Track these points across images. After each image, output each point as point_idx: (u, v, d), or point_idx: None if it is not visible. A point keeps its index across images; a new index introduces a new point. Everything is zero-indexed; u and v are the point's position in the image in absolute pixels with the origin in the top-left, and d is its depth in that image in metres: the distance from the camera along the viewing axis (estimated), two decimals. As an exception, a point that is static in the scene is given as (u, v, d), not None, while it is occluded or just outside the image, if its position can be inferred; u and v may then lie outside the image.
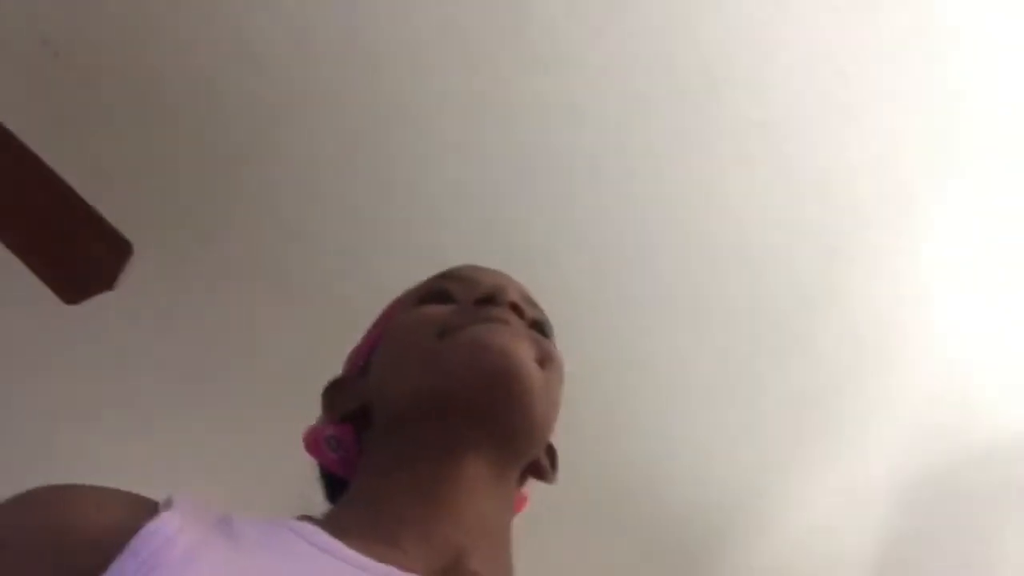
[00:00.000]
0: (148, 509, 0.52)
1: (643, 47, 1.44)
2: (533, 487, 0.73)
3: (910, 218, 1.65)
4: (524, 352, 0.62)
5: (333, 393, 0.71)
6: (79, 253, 1.25)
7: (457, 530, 0.59)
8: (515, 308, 0.65)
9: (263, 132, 1.51)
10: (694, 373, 1.85)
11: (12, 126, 1.18)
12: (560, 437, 0.72)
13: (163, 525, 0.50)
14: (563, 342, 0.72)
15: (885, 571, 2.13)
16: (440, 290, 0.70)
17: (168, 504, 0.53)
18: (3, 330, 1.70)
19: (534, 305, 0.72)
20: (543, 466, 0.69)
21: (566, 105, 1.50)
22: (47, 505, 0.52)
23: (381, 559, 0.54)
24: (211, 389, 1.83)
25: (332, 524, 0.58)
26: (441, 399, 0.61)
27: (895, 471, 2.04)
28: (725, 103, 1.50)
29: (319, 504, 0.71)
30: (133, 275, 1.28)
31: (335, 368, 0.73)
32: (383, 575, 0.53)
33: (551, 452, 0.72)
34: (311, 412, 0.72)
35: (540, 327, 0.70)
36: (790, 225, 1.66)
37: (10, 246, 1.24)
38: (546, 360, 0.65)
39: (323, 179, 1.59)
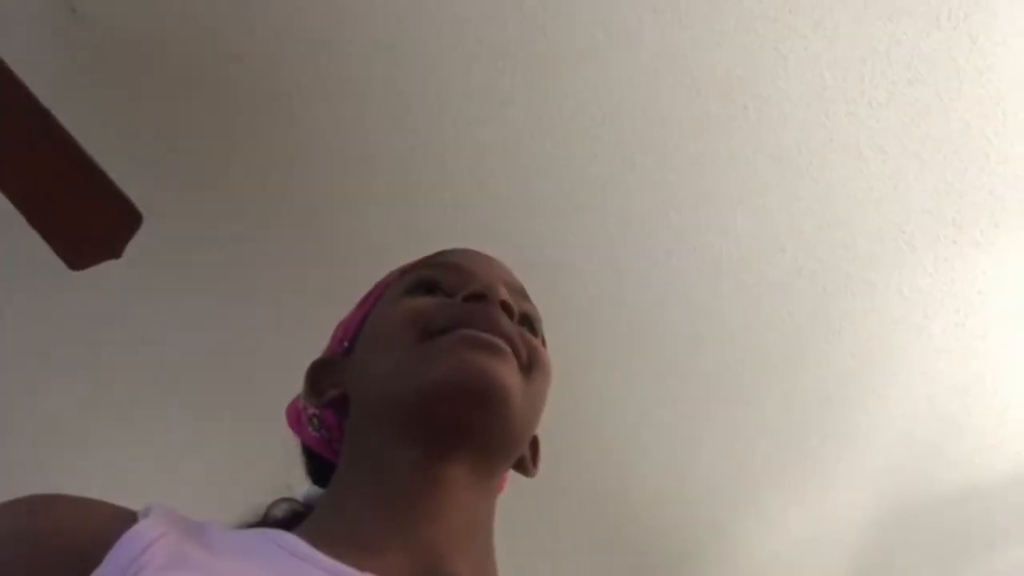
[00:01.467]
0: (126, 519, 0.53)
1: (667, 68, 1.46)
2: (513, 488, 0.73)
3: (896, 261, 1.69)
4: (505, 371, 0.61)
5: (317, 374, 0.70)
6: (88, 218, 1.25)
7: (438, 535, 0.59)
8: (504, 307, 0.65)
9: (284, 106, 1.50)
10: (679, 394, 1.87)
11: (32, 86, 1.18)
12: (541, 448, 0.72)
13: (141, 533, 0.51)
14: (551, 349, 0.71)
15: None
16: (429, 279, 0.69)
17: (146, 513, 0.54)
18: (5, 292, 1.68)
19: (524, 297, 0.71)
20: (524, 461, 0.70)
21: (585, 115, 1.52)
22: (24, 516, 0.53)
23: (360, 566, 0.53)
24: (211, 364, 1.82)
25: (311, 531, 0.58)
26: (419, 410, 0.61)
27: (866, 505, 2.07)
28: (743, 131, 1.53)
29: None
30: (141, 246, 1.28)
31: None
32: None
33: (534, 443, 0.72)
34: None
35: (529, 321, 0.70)
36: (789, 256, 1.69)
37: (19, 207, 1.24)
38: (532, 364, 0.65)
39: (342, 157, 1.57)
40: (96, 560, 0.49)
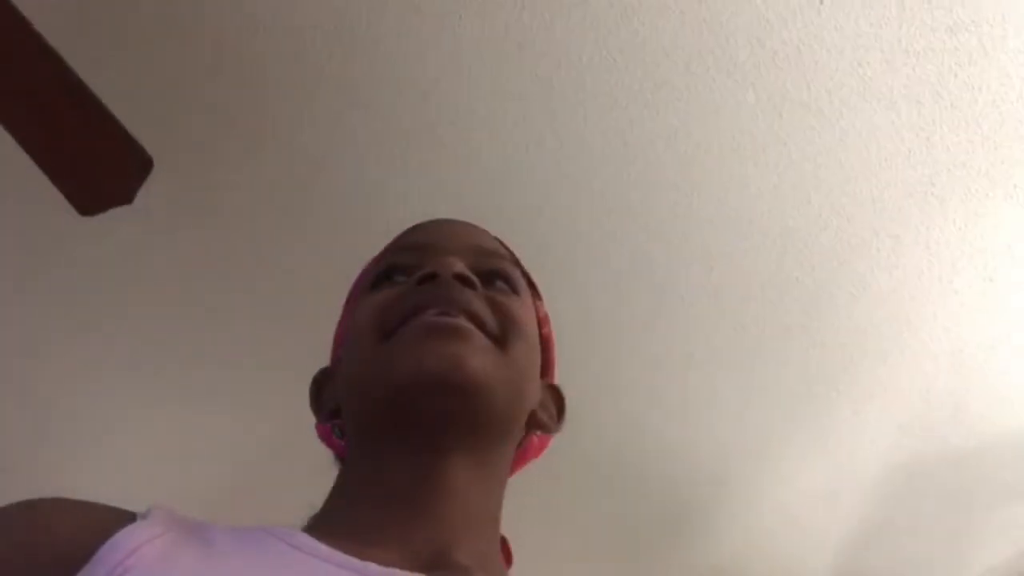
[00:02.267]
0: (123, 521, 0.53)
1: (695, 9, 1.40)
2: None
3: (924, 215, 1.64)
4: (467, 352, 0.59)
5: (318, 386, 0.70)
6: (99, 163, 1.23)
7: (440, 525, 0.58)
8: (461, 279, 0.62)
9: (297, 58, 1.47)
10: (696, 345, 1.86)
11: (43, 29, 1.14)
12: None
13: (131, 535, 0.51)
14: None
15: (846, 559, 2.18)
16: (391, 268, 0.67)
17: (145, 515, 0.54)
18: (13, 234, 1.68)
19: (488, 253, 0.69)
20: (541, 420, 0.67)
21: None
22: (18, 522, 0.53)
23: (363, 557, 0.53)
24: (216, 317, 1.82)
25: (319, 527, 0.58)
26: (391, 412, 0.59)
27: (880, 460, 2.07)
28: (771, 77, 1.47)
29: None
30: (151, 193, 1.26)
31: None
32: (362, 571, 0.52)
33: (558, 397, 0.71)
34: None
35: (501, 278, 0.67)
36: (808, 214, 1.65)
37: (29, 150, 1.21)
38: (505, 329, 0.63)
39: (354, 110, 1.55)
40: (83, 563, 0.50)
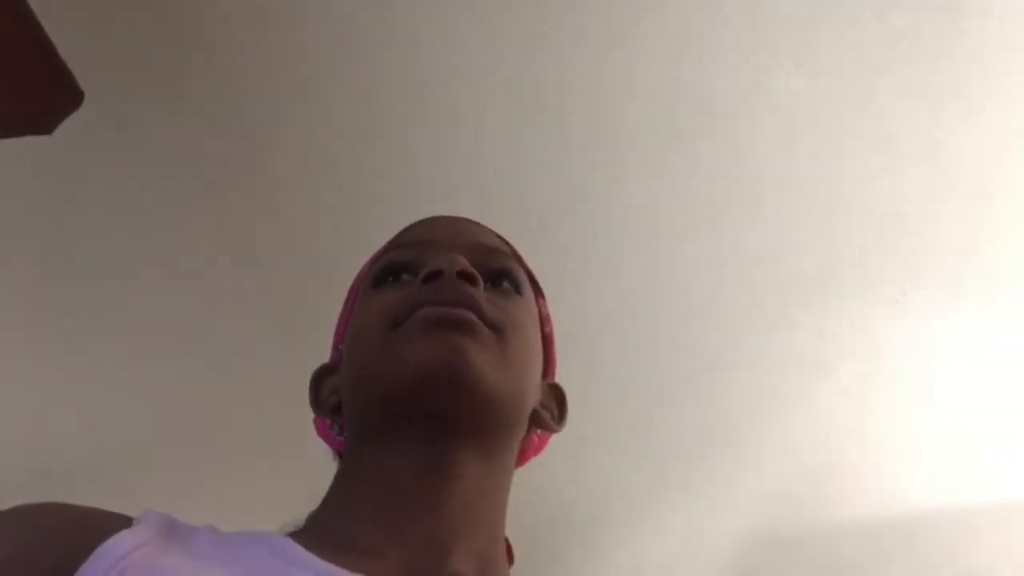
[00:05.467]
0: (116, 526, 0.53)
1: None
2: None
3: (821, 304, 1.74)
4: (468, 343, 0.59)
5: (317, 382, 0.70)
6: (23, 87, 1.16)
7: (437, 529, 0.58)
8: (464, 275, 0.63)
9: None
10: (577, 396, 1.88)
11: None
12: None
13: (119, 544, 0.51)
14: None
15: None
16: (393, 265, 0.68)
17: (138, 520, 0.55)
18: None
19: (491, 251, 0.70)
20: (542, 419, 0.68)
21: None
22: (6, 531, 0.53)
23: (355, 568, 0.53)
24: (151, 259, 1.69)
25: (309, 534, 0.58)
26: (394, 406, 0.60)
27: (744, 528, 2.15)
28: (706, 154, 1.53)
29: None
30: (78, 127, 1.20)
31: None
32: None
33: (559, 396, 0.71)
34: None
35: (504, 277, 0.68)
36: (719, 280, 1.71)
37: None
38: (503, 323, 0.63)
39: (316, 40, 1.39)
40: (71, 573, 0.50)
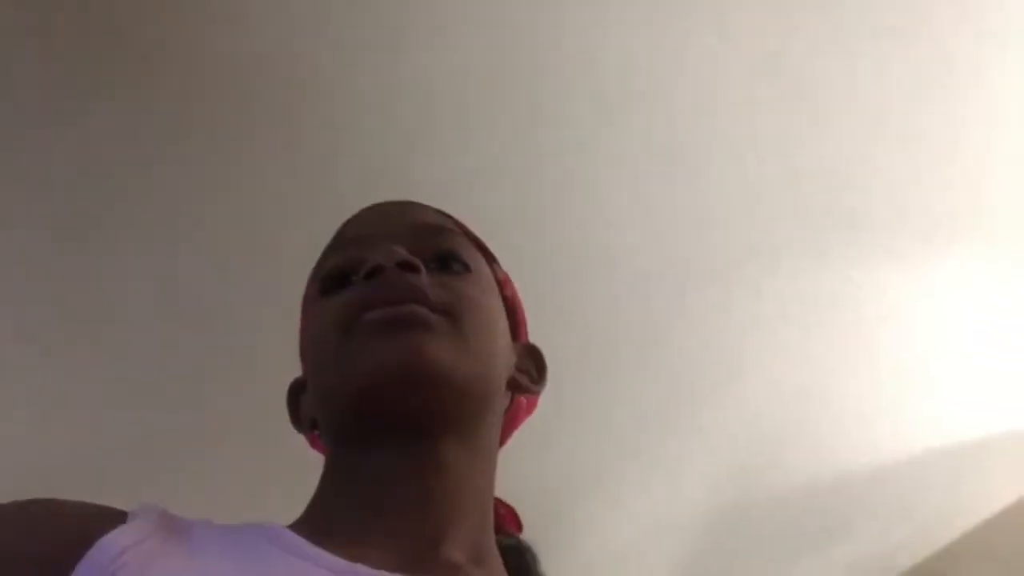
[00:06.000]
0: (112, 521, 0.53)
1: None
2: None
3: (759, 265, 1.76)
4: (419, 340, 0.59)
5: (294, 398, 0.70)
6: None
7: (427, 517, 0.58)
8: (405, 266, 0.62)
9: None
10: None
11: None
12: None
13: (115, 540, 0.51)
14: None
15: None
16: (335, 270, 0.67)
17: (134, 515, 0.55)
18: None
19: (431, 230, 0.68)
20: (521, 384, 0.68)
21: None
22: (11, 523, 0.53)
23: (352, 558, 0.53)
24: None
25: (308, 525, 0.58)
26: (357, 414, 0.60)
27: (701, 504, 2.15)
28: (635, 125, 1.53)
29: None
30: None
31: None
32: (350, 572, 0.52)
33: (535, 355, 0.71)
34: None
35: (448, 257, 0.67)
36: (660, 244, 1.72)
37: None
38: (458, 307, 0.62)
39: None
40: (68, 569, 0.50)
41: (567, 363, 1.81)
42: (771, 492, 2.17)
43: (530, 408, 0.73)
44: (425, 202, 0.73)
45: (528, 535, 0.72)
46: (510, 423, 0.70)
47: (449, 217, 0.73)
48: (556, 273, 1.72)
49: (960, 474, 2.23)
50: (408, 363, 0.58)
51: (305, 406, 0.68)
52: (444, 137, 1.52)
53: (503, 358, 0.66)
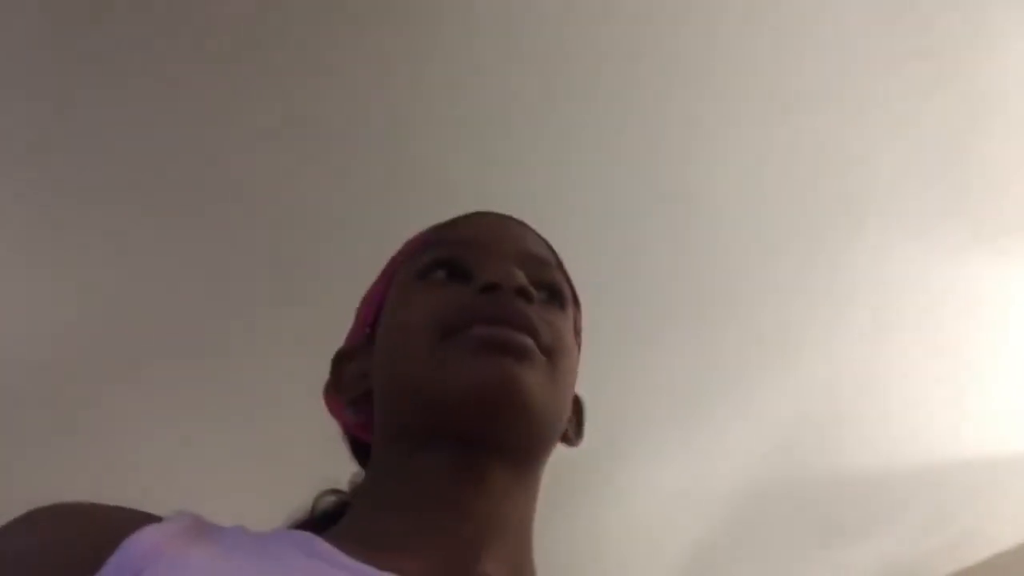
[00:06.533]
0: (140, 522, 0.54)
1: None
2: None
3: (835, 240, 1.67)
4: (523, 372, 0.59)
5: (341, 366, 0.70)
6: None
7: (469, 536, 0.59)
8: (522, 293, 0.62)
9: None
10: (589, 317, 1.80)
11: None
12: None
13: (140, 541, 0.51)
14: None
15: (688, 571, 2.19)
16: (442, 260, 0.66)
17: (167, 519, 0.55)
18: None
19: (541, 262, 0.69)
20: (567, 433, 0.69)
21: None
22: (25, 534, 0.54)
23: (383, 566, 0.53)
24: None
25: (343, 531, 0.59)
26: (442, 419, 0.60)
27: (733, 483, 2.09)
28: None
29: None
30: None
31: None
32: None
33: (578, 408, 0.71)
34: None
35: (552, 292, 0.68)
36: (724, 217, 1.63)
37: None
38: (554, 347, 0.63)
39: None
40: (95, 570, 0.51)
41: (614, 318, 1.76)
42: (805, 481, 2.10)
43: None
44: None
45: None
46: None
47: (551, 251, 0.73)
48: (617, 229, 1.64)
49: (1006, 489, 2.14)
50: (508, 392, 0.58)
51: (353, 375, 0.68)
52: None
53: (569, 406, 0.67)
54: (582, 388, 0.70)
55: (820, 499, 2.10)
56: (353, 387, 0.68)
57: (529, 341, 0.60)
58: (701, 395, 1.91)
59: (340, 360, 0.70)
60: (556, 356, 0.63)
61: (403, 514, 0.59)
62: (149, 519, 0.55)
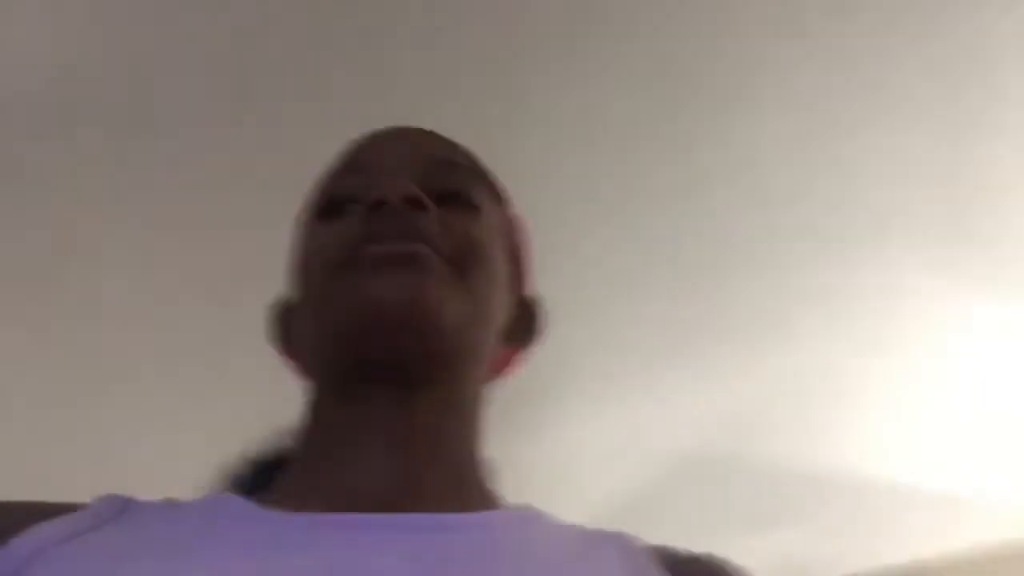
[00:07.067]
0: (35, 522, 0.52)
1: None
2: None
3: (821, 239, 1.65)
4: (417, 283, 0.55)
5: (279, 318, 0.67)
6: None
7: (407, 463, 0.56)
8: (411, 201, 0.57)
9: None
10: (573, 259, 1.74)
11: None
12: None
13: (25, 541, 0.50)
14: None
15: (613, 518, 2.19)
16: (336, 194, 0.63)
17: (83, 510, 0.54)
18: None
19: (443, 165, 0.63)
20: (516, 334, 0.65)
21: None
22: None
23: (302, 508, 0.52)
24: None
25: (276, 485, 0.58)
26: (340, 355, 0.57)
27: (669, 449, 2.10)
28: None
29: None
30: None
31: None
32: (285, 523, 0.51)
33: (530, 310, 0.67)
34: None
35: (458, 196, 0.62)
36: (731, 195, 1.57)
37: None
38: (463, 254, 0.58)
39: None
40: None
41: (595, 268, 1.71)
42: (731, 462, 2.13)
43: (508, 362, 0.67)
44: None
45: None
46: (497, 372, 0.65)
47: (461, 150, 0.67)
48: (606, 190, 1.58)
49: (896, 515, 2.23)
50: (405, 304, 0.54)
51: (298, 328, 0.64)
52: None
53: (499, 312, 0.62)
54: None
55: (741, 482, 2.15)
56: (297, 342, 0.65)
57: (424, 249, 0.56)
58: (654, 358, 1.92)
59: (276, 314, 0.67)
60: (466, 263, 0.58)
61: (328, 459, 0.57)
62: (58, 512, 0.53)
